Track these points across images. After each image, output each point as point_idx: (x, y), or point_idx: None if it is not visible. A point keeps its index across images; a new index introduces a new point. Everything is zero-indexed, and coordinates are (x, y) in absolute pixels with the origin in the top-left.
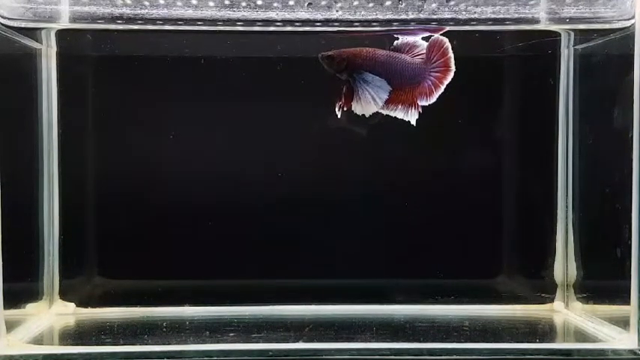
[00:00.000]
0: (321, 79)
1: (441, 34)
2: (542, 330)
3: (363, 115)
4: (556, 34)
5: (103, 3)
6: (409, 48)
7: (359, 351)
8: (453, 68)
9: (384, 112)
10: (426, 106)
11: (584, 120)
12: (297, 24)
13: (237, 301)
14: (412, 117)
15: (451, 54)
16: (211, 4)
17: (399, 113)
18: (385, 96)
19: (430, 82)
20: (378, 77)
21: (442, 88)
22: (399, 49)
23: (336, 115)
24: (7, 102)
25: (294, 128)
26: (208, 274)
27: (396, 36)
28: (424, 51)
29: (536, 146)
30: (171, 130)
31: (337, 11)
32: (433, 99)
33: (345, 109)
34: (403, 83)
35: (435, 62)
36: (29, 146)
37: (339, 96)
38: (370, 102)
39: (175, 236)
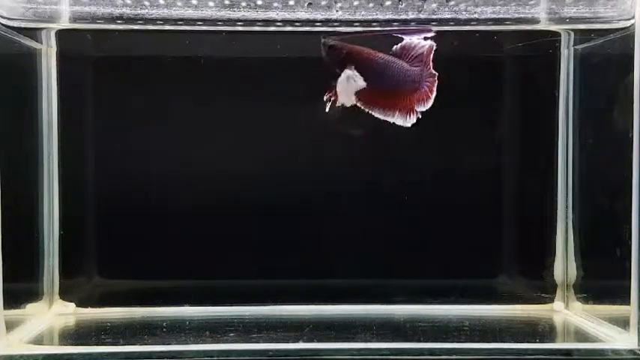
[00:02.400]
0: (321, 79)
1: (429, 37)
2: (542, 330)
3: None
4: (556, 34)
5: (103, 3)
6: (409, 52)
7: (359, 351)
8: (434, 72)
9: (383, 117)
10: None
11: (584, 120)
12: (297, 24)
13: (237, 301)
14: (410, 122)
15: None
16: (211, 4)
17: (397, 119)
18: (353, 91)
19: (426, 88)
20: (359, 75)
21: (434, 92)
22: (398, 54)
23: (326, 109)
24: (7, 102)
25: (293, 128)
26: (208, 274)
27: (398, 36)
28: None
29: (536, 146)
30: (170, 130)
31: (337, 11)
32: (429, 104)
33: (333, 100)
34: (400, 88)
35: (428, 68)
36: (29, 146)
37: (330, 89)
38: (342, 93)
39: (175, 236)
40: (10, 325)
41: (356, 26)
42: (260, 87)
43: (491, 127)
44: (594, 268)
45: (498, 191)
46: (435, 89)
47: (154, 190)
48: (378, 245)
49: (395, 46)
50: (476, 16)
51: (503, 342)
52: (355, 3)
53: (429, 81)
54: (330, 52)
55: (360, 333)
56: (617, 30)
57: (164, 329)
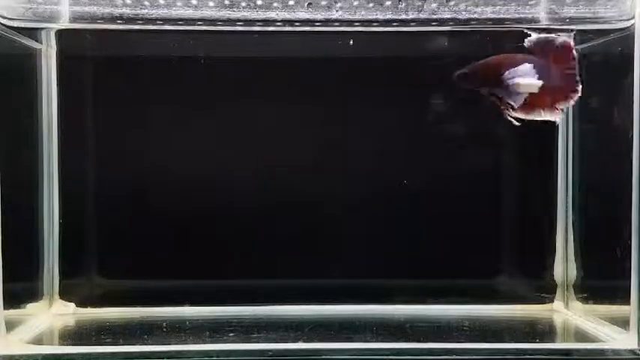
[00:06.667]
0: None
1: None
2: (542, 330)
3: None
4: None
5: (103, 3)
6: (544, 45)
7: (359, 351)
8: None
9: (528, 117)
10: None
11: (584, 120)
12: (297, 24)
13: (237, 301)
14: (556, 117)
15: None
16: (211, 4)
17: (543, 116)
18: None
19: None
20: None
21: (579, 90)
22: (534, 48)
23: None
24: (7, 102)
25: (293, 128)
26: (208, 274)
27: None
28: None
29: (536, 146)
30: (171, 130)
31: (337, 11)
32: (572, 102)
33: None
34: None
35: (566, 64)
36: (29, 146)
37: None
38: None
39: (175, 236)
40: (10, 325)
41: (356, 26)
42: (260, 87)
43: (491, 126)
44: (594, 268)
45: (498, 191)
46: (577, 85)
47: (154, 190)
48: (378, 245)
49: (530, 38)
50: (476, 16)
51: (503, 342)
52: (355, 3)
53: (569, 77)
54: (465, 80)
55: (360, 333)
56: (617, 30)
57: (164, 329)
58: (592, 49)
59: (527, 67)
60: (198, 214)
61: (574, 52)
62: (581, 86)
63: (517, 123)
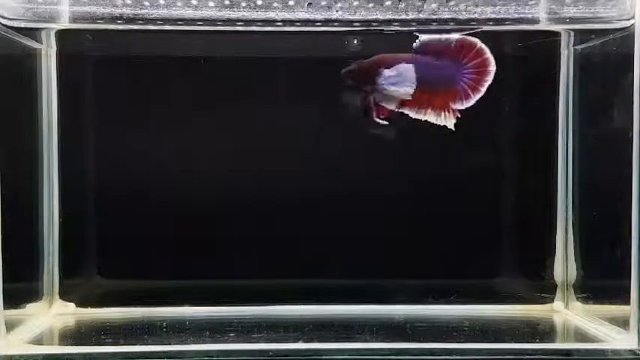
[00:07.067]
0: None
1: (471, 35)
2: (542, 330)
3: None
4: (556, 34)
5: (103, 3)
6: (436, 46)
7: (359, 351)
8: (493, 69)
9: (415, 116)
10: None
11: (584, 120)
12: (297, 24)
13: (237, 301)
14: (448, 121)
15: (488, 54)
16: (211, 4)
17: (431, 117)
18: (410, 88)
19: (465, 85)
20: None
21: (482, 90)
22: (424, 48)
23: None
24: (7, 102)
25: (291, 128)
26: (208, 274)
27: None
28: (450, 49)
29: (536, 146)
30: (170, 130)
31: (337, 11)
32: (471, 102)
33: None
34: (433, 86)
35: (468, 64)
36: (29, 146)
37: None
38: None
39: (175, 236)
40: (11, 325)
41: (356, 26)
42: (259, 87)
43: (491, 126)
44: (594, 268)
45: (498, 191)
46: (481, 87)
47: (154, 189)
48: (379, 245)
49: (420, 39)
50: (476, 16)
51: (503, 342)
52: (355, 3)
53: (470, 78)
54: (352, 76)
55: (360, 333)
56: (617, 30)
57: (164, 329)
58: (592, 49)
59: (400, 68)
60: (198, 214)
61: (478, 52)
62: (485, 85)
63: (384, 122)
